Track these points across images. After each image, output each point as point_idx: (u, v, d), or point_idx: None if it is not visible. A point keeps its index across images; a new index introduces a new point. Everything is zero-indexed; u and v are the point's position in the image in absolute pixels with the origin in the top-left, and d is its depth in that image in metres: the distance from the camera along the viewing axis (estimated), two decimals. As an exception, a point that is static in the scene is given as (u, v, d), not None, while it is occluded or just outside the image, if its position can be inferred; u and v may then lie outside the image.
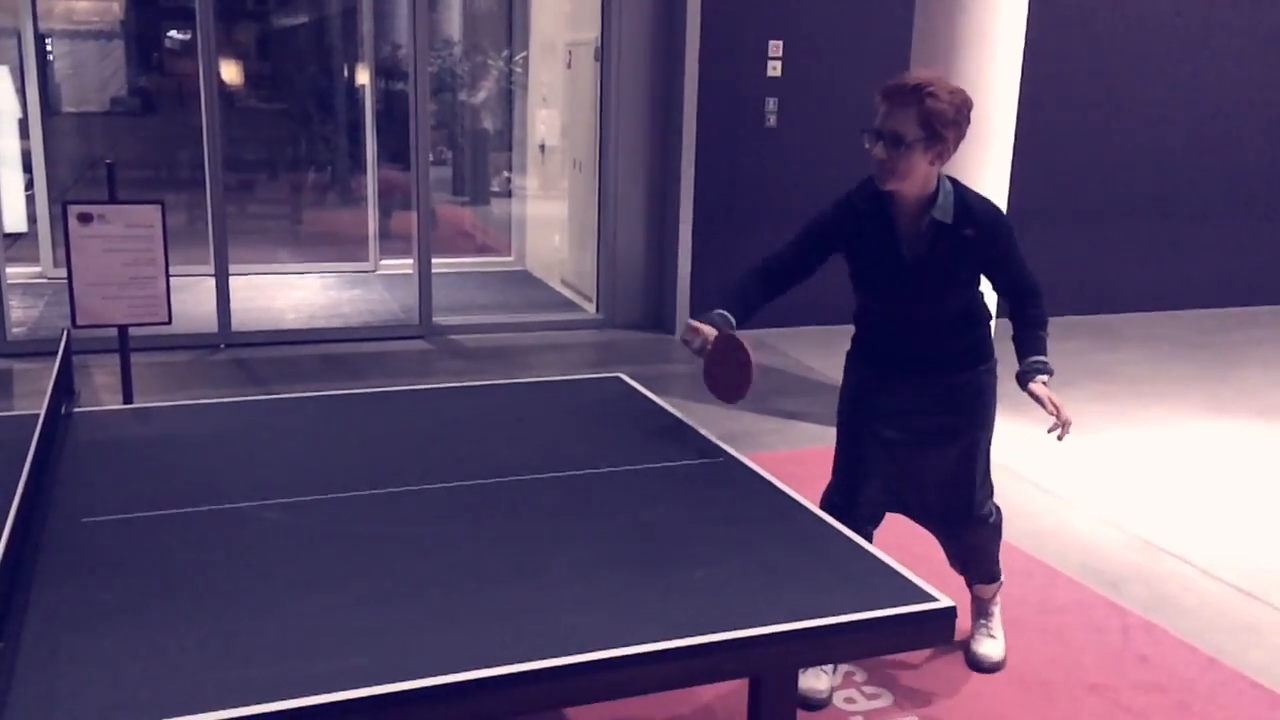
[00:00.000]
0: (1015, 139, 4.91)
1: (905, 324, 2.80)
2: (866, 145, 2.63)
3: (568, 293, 7.82)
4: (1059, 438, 2.68)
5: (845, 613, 1.85)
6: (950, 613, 1.89)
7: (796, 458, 4.64)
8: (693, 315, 6.83)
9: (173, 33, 10.35)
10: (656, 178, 6.88)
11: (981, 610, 3.15)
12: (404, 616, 1.81)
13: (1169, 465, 4.78)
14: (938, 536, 3.07)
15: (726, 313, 2.72)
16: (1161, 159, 7.66)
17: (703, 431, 2.79)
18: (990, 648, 3.08)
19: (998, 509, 3.04)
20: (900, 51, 5.24)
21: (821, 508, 2.92)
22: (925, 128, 2.54)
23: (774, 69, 6.71)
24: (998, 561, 3.11)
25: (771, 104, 6.75)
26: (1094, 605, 3.44)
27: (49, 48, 9.16)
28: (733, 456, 2.60)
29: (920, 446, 2.85)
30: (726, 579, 1.97)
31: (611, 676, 1.71)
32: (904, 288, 2.72)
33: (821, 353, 6.38)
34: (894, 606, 1.88)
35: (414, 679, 1.62)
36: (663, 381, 5.80)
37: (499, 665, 1.66)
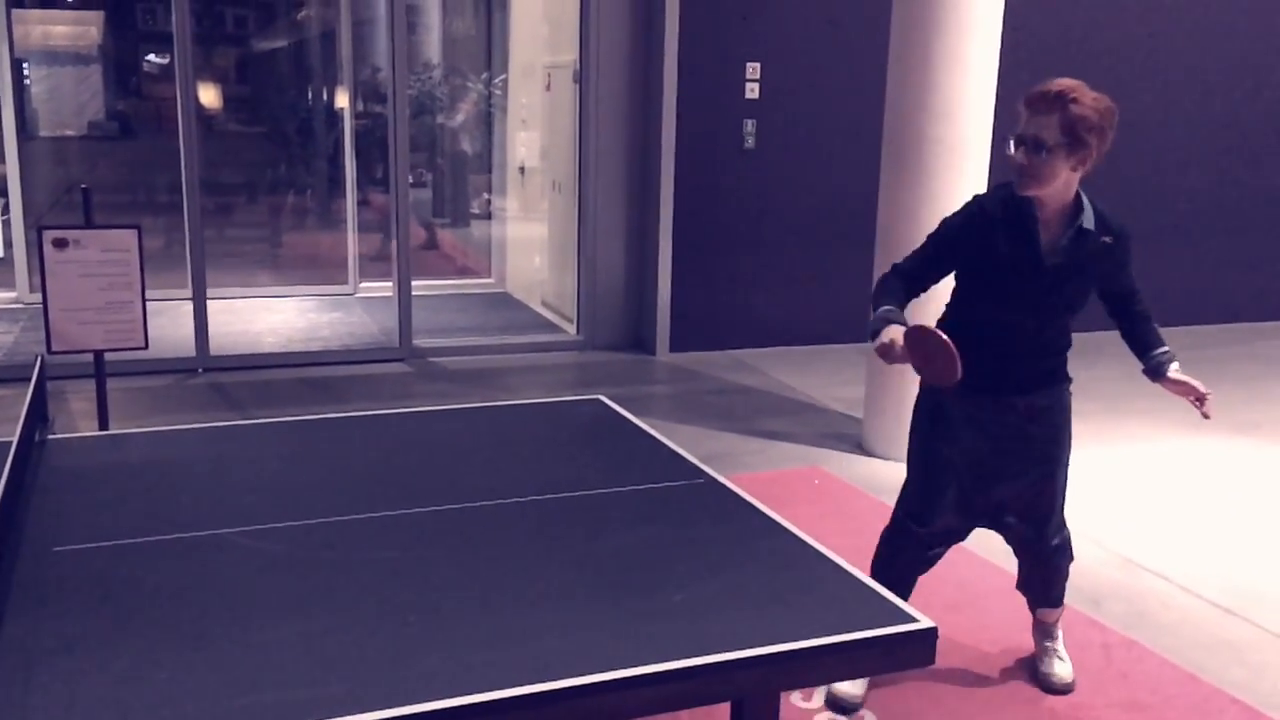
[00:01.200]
0: (991, 160, 4.95)
1: (1012, 338, 2.75)
2: (1008, 151, 2.64)
3: (548, 314, 7.82)
4: (1206, 414, 2.78)
5: (827, 634, 1.85)
6: (931, 634, 1.88)
7: (778, 478, 4.64)
8: (673, 336, 6.92)
9: (151, 56, 10.33)
10: (636, 199, 6.90)
11: (1046, 634, 3.13)
12: (382, 643, 1.79)
13: (1148, 482, 4.81)
14: (1014, 551, 3.05)
15: (893, 307, 2.65)
16: (1136, 178, 7.73)
17: (683, 453, 2.78)
18: (1061, 669, 3.07)
19: (1067, 531, 3.02)
20: (877, 73, 5.28)
21: (893, 525, 2.95)
22: (1067, 133, 2.57)
23: (752, 91, 6.75)
24: (1063, 586, 3.08)
25: (750, 125, 6.79)
26: (1074, 623, 3.45)
27: (25, 71, 9.12)
28: (713, 478, 2.60)
29: (999, 466, 2.83)
30: (707, 601, 1.96)
31: (592, 701, 1.70)
32: (1039, 295, 2.70)
33: (801, 373, 6.40)
34: (875, 628, 1.87)
35: (393, 706, 1.60)
36: (643, 403, 5.80)
37: (479, 691, 1.64)
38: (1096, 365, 6.82)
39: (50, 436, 2.87)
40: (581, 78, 6.78)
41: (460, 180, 10.08)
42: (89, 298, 4.04)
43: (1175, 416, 5.77)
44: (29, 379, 2.98)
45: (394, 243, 6.62)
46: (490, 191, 9.71)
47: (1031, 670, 3.13)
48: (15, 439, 2.49)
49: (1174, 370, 2.82)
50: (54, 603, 1.92)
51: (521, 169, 8.77)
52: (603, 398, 3.32)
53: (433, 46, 10.56)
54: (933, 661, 1.90)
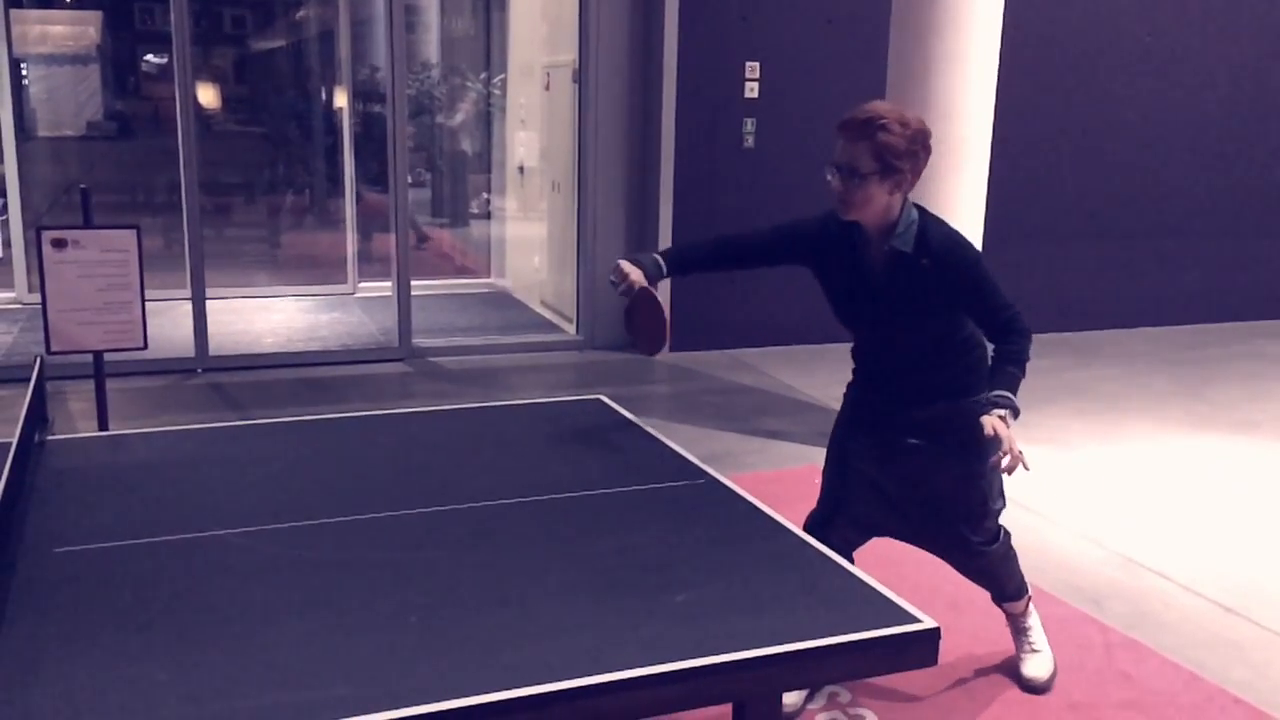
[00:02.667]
0: (991, 159, 4.95)
1: (880, 352, 2.81)
2: (828, 178, 2.64)
3: (547, 314, 7.81)
4: (1007, 471, 2.49)
5: (829, 635, 1.84)
6: (934, 634, 1.88)
7: (778, 478, 4.63)
8: (673, 335, 6.90)
9: (149, 56, 10.32)
10: (635, 198, 6.89)
11: (1016, 627, 3.10)
12: (384, 644, 1.79)
13: (1148, 481, 4.80)
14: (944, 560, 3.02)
15: (659, 258, 2.82)
16: (1137, 178, 7.73)
17: (684, 453, 2.78)
18: (1036, 667, 3.04)
19: (1004, 532, 2.95)
20: (877, 73, 5.27)
21: (804, 527, 2.96)
22: (879, 160, 2.55)
23: (751, 90, 6.75)
24: (1015, 580, 3.02)
25: (749, 125, 6.78)
26: (1075, 622, 3.44)
27: (24, 71, 9.10)
28: (714, 478, 2.59)
29: (902, 479, 2.82)
30: (709, 602, 1.96)
31: (593, 703, 1.69)
32: (867, 314, 2.75)
33: (802, 372, 6.39)
34: (877, 628, 1.87)
35: (394, 708, 1.60)
36: (643, 403, 5.79)
37: (480, 693, 1.64)
38: (1096, 365, 6.82)
39: (49, 437, 2.86)
40: (581, 77, 6.77)
41: (459, 180, 10.08)
42: (88, 298, 4.04)
43: (1175, 415, 5.77)
44: (28, 379, 2.97)
45: (393, 242, 6.61)
46: (489, 191, 9.71)
47: (1032, 670, 3.12)
48: (15, 440, 2.48)
49: (990, 416, 2.50)
50: (54, 604, 1.92)
51: (521, 169, 8.77)
52: (603, 397, 3.32)
53: (431, 46, 10.56)
54: (935, 662, 1.90)
